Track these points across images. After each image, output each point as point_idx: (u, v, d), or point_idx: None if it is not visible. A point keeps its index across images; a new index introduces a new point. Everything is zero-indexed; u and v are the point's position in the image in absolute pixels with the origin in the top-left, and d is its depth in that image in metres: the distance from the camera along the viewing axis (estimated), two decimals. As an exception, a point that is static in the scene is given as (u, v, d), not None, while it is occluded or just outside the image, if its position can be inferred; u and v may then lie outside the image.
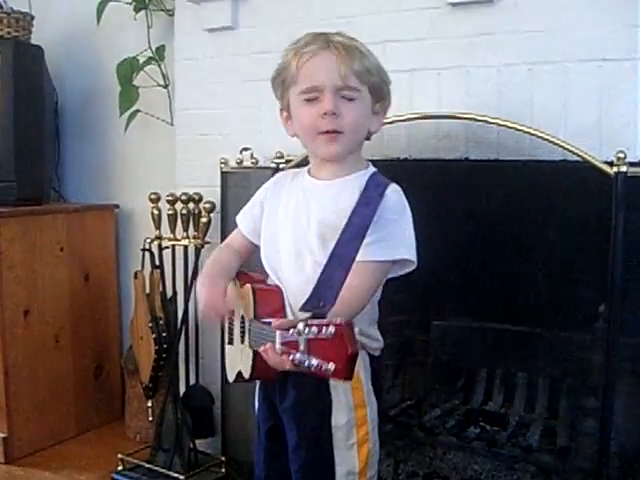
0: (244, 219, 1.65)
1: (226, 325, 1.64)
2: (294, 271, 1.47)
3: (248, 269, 1.63)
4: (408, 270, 1.45)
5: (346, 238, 1.32)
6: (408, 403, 2.31)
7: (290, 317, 1.43)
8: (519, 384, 2.22)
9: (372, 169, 1.53)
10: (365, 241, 1.33)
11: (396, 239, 1.41)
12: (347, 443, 1.49)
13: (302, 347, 1.13)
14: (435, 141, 2.09)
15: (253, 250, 1.64)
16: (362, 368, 1.50)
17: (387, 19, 2.14)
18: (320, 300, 1.21)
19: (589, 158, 1.79)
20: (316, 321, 1.14)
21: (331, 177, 1.50)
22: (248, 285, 1.49)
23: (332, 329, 1.10)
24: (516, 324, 2.14)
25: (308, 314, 1.18)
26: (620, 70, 1.83)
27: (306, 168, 1.59)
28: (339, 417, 1.48)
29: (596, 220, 1.84)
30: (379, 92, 1.49)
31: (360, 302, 1.37)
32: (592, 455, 1.89)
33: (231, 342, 1.61)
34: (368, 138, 1.54)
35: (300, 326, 1.14)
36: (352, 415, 1.48)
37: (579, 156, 1.80)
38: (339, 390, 1.47)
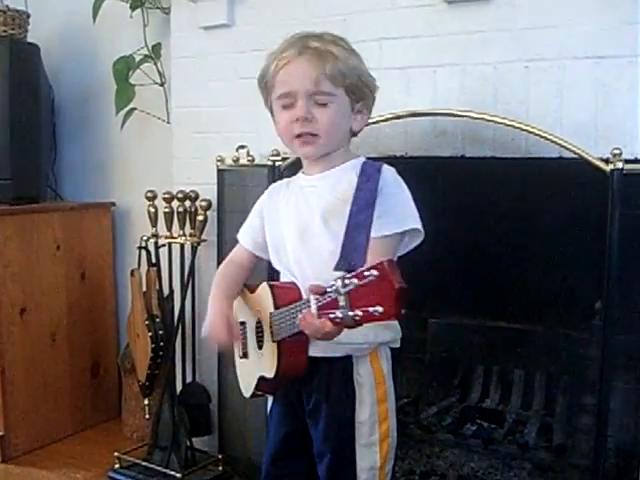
0: (244, 233, 1.68)
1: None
2: (308, 262, 1.48)
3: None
4: (417, 242, 1.47)
5: (356, 210, 1.33)
6: (405, 401, 2.31)
7: None
8: (516, 381, 2.22)
9: (363, 157, 1.55)
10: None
11: (401, 210, 1.44)
12: (370, 439, 1.50)
13: (342, 302, 1.13)
14: (431, 138, 2.09)
15: (257, 263, 1.68)
16: (385, 362, 1.53)
17: (383, 17, 2.14)
18: (350, 261, 1.21)
19: (585, 155, 1.79)
20: (353, 273, 1.13)
21: (324, 169, 1.52)
22: (264, 284, 1.51)
23: (374, 271, 1.10)
24: (513, 321, 2.14)
25: (341, 273, 1.17)
26: (616, 67, 1.83)
27: (299, 174, 1.62)
28: (363, 413, 1.49)
29: (592, 217, 1.84)
30: (358, 92, 1.49)
31: None
32: (589, 452, 1.89)
33: (245, 355, 1.61)
34: (355, 135, 1.56)
35: (338, 283, 1.14)
36: (375, 410, 1.50)
37: (575, 153, 1.80)
38: (364, 386, 1.49)
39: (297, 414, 1.57)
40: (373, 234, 1.30)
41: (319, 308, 1.19)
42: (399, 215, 1.43)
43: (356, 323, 1.13)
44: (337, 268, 1.21)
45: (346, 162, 1.52)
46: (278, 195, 1.62)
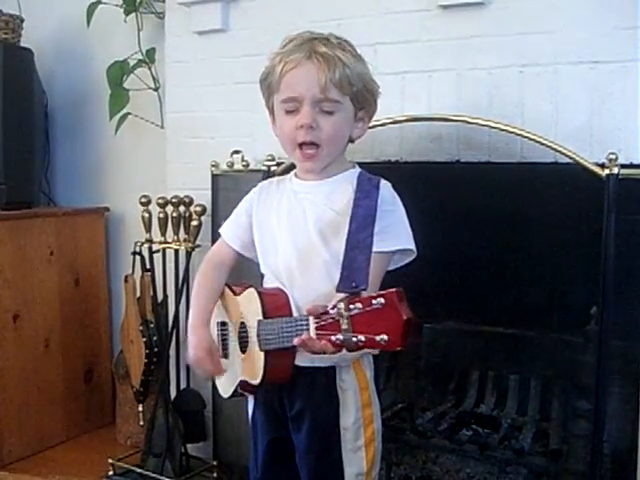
0: (229, 231, 1.64)
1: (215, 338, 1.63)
2: (300, 272, 1.46)
3: (232, 281, 1.63)
4: (408, 260, 1.47)
5: (355, 228, 1.33)
6: (400, 406, 2.31)
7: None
8: (511, 387, 2.22)
9: (358, 168, 1.54)
10: None
11: (396, 229, 1.44)
12: (355, 444, 1.49)
13: (345, 326, 1.13)
14: (426, 143, 2.09)
15: (239, 260, 1.65)
16: (367, 367, 1.52)
17: (378, 22, 2.14)
18: (352, 282, 1.21)
19: (580, 160, 1.79)
20: (358, 297, 1.13)
21: (320, 178, 1.51)
22: (251, 289, 1.48)
23: (382, 299, 1.10)
24: (508, 326, 2.14)
25: (343, 295, 1.17)
26: (611, 72, 1.84)
27: (290, 174, 1.60)
28: (347, 418, 1.48)
29: (588, 222, 1.84)
30: (362, 100, 1.48)
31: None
32: (585, 457, 1.88)
33: (225, 356, 1.59)
34: (352, 141, 1.54)
35: (341, 305, 1.14)
36: (360, 415, 1.49)
37: (570, 158, 1.80)
38: (348, 391, 1.49)
39: (280, 420, 1.55)
40: None
41: (318, 328, 1.19)
42: (393, 233, 1.43)
43: (358, 347, 1.13)
44: (339, 289, 1.21)
45: (341, 172, 1.51)
46: (268, 196, 1.59)
